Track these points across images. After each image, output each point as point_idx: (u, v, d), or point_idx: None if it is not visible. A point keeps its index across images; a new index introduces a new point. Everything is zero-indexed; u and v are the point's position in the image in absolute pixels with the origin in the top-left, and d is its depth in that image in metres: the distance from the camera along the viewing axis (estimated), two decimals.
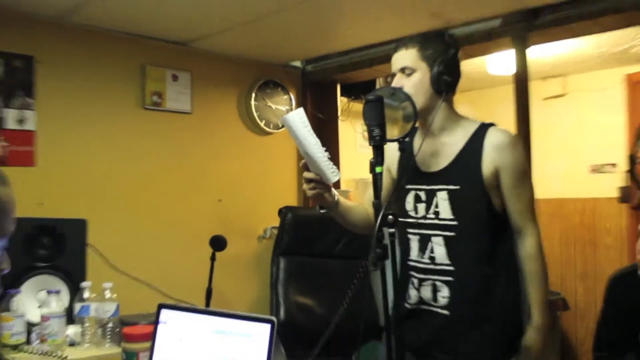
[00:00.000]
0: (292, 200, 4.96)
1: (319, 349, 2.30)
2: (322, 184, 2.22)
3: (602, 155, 5.34)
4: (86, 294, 2.82)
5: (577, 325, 5.34)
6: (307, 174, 2.21)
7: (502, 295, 2.26)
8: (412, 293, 2.36)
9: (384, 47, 4.34)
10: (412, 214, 2.36)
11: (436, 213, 2.29)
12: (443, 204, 2.27)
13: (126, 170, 4.05)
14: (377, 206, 1.90)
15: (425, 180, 2.33)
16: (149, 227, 4.14)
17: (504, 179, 2.24)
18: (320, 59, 4.98)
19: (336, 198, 2.33)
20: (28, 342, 2.68)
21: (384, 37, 4.15)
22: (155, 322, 1.93)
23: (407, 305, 2.38)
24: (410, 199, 2.37)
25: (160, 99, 4.21)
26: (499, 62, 4.81)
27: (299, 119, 2.09)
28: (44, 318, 2.65)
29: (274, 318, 1.72)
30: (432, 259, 2.29)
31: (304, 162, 2.21)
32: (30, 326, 2.72)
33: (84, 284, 2.85)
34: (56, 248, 3.05)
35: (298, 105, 4.80)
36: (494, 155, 2.22)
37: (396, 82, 2.30)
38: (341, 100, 5.28)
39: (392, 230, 1.87)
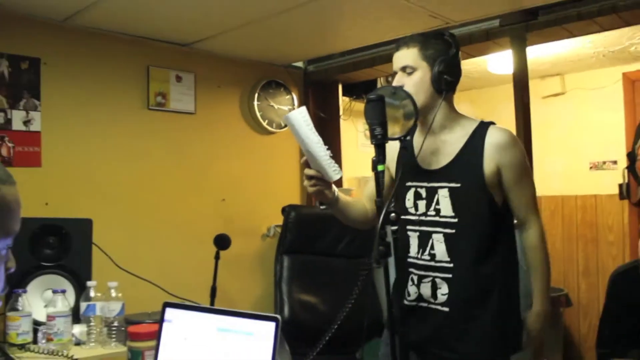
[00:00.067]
0: (295, 198, 4.96)
1: (320, 346, 2.33)
2: (322, 181, 2.24)
3: (602, 153, 5.35)
4: (92, 293, 2.82)
5: (580, 322, 5.34)
6: (308, 171, 2.23)
7: (501, 293, 2.28)
8: (412, 290, 2.37)
9: (384, 47, 4.36)
10: (411, 211, 2.38)
11: (437, 210, 2.30)
12: (444, 201, 2.29)
13: (131, 170, 4.07)
14: (379, 204, 1.93)
15: (425, 178, 2.34)
16: (154, 227, 4.16)
17: (507, 176, 2.28)
18: (322, 59, 4.99)
19: (336, 194, 2.35)
20: (34, 341, 2.68)
21: (384, 37, 4.15)
22: (161, 321, 1.94)
23: (405, 302, 2.38)
24: (410, 196, 2.38)
25: (164, 100, 4.23)
26: (499, 61, 4.82)
27: (301, 117, 2.11)
28: (50, 317, 2.64)
29: (278, 316, 1.73)
30: (432, 256, 2.31)
31: (305, 160, 2.22)
32: (36, 325, 2.72)
33: (89, 284, 2.85)
34: (62, 248, 3.05)
35: (300, 105, 4.81)
36: (495, 154, 2.25)
37: (397, 81, 2.33)
38: (343, 100, 5.29)
39: (394, 227, 1.91)
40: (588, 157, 5.45)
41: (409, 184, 2.38)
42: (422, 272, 2.34)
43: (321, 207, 2.36)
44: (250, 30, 3.96)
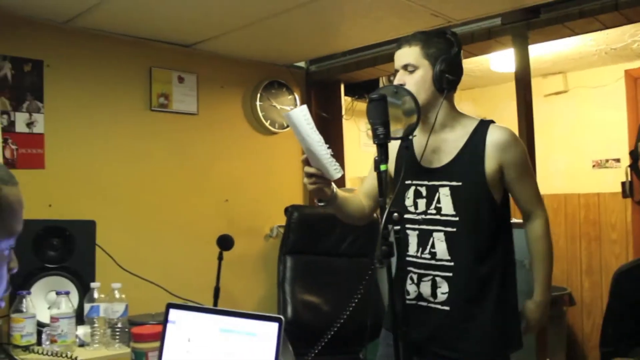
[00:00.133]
0: (298, 199, 4.97)
1: (322, 344, 2.33)
2: (322, 179, 2.23)
3: (605, 151, 5.37)
4: (95, 295, 2.82)
5: (584, 321, 5.34)
6: (308, 169, 2.22)
7: (499, 292, 2.30)
8: (411, 289, 2.37)
9: (386, 47, 4.36)
10: (411, 209, 2.38)
11: (438, 209, 2.31)
12: (445, 200, 2.30)
13: (134, 171, 4.08)
14: (382, 204, 1.93)
15: (426, 176, 2.35)
16: (157, 228, 4.17)
17: (510, 173, 2.30)
18: (324, 59, 4.99)
19: (334, 191, 2.35)
20: (38, 343, 2.68)
21: (386, 37, 4.16)
22: (164, 322, 1.94)
23: (405, 301, 2.40)
24: (410, 195, 2.39)
25: (166, 101, 4.24)
26: (502, 60, 4.82)
27: (302, 115, 2.10)
28: (54, 319, 2.64)
29: (281, 316, 1.73)
30: (432, 254, 2.32)
31: (305, 157, 2.22)
32: (40, 327, 2.72)
33: (93, 285, 2.85)
34: (65, 249, 3.04)
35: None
36: (497, 153, 2.27)
37: (398, 79, 2.33)
38: (345, 100, 5.30)
39: (397, 227, 1.91)
40: (591, 155, 5.46)
41: (409, 182, 2.39)
42: (422, 271, 2.34)
43: (319, 204, 2.36)
44: (252, 31, 3.97)
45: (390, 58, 2.42)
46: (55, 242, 3.04)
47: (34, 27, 3.63)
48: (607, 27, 3.77)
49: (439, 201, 2.31)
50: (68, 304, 2.70)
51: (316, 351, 2.35)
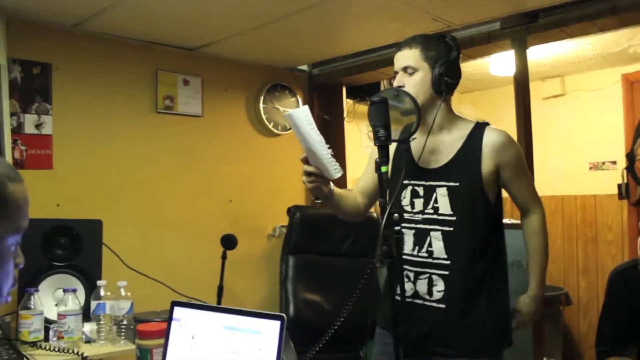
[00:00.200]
0: (300, 199, 4.98)
1: (323, 342, 2.36)
2: (321, 177, 2.24)
3: (602, 153, 5.39)
4: (102, 292, 2.85)
5: (580, 320, 5.37)
6: (307, 168, 2.22)
7: (493, 288, 2.33)
8: (407, 287, 2.37)
9: (388, 50, 4.37)
10: (407, 208, 2.40)
11: (435, 208, 2.34)
12: (442, 200, 2.33)
13: (139, 172, 4.11)
14: (383, 204, 1.96)
15: (423, 177, 2.38)
16: (162, 227, 4.20)
17: (506, 174, 2.34)
18: (326, 62, 5.02)
19: (332, 189, 2.35)
20: (46, 339, 2.72)
21: (387, 41, 4.18)
22: (169, 319, 1.96)
23: (400, 298, 2.43)
24: (406, 194, 2.41)
25: (172, 103, 4.28)
26: (501, 63, 4.84)
27: (304, 115, 2.09)
28: (61, 316, 2.69)
29: (283, 315, 1.75)
30: (430, 252, 2.34)
31: (305, 157, 2.21)
32: (47, 324, 2.76)
33: (99, 283, 2.89)
34: (73, 248, 3.08)
35: None
36: (493, 154, 2.31)
37: (398, 81, 2.36)
38: (347, 102, 5.30)
39: (397, 228, 1.95)
40: (588, 157, 5.48)
41: (406, 182, 2.41)
42: (419, 269, 2.36)
43: (317, 201, 2.37)
44: (256, 35, 3.99)
45: (391, 61, 2.43)
46: (63, 241, 3.08)
47: (42, 30, 3.67)
48: (604, 32, 3.80)
49: (436, 201, 2.34)
50: (75, 301, 2.74)
51: (317, 349, 2.36)
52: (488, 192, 2.34)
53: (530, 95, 3.93)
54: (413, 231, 2.39)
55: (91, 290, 2.95)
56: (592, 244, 5.36)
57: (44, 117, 3.67)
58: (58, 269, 3.03)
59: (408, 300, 2.36)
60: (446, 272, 2.31)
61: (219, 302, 3.56)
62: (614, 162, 5.30)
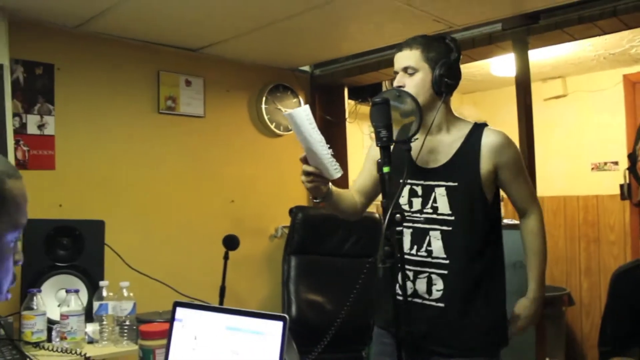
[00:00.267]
0: (302, 200, 4.97)
1: (325, 342, 2.36)
2: (319, 177, 2.23)
3: (603, 154, 5.40)
4: (104, 293, 2.85)
5: (582, 321, 5.37)
6: (306, 167, 2.21)
7: (490, 288, 2.34)
8: (406, 286, 2.33)
9: (389, 51, 4.33)
10: (405, 207, 2.40)
11: (434, 208, 2.35)
12: (441, 200, 2.33)
13: (141, 172, 4.12)
14: (385, 205, 1.96)
15: (422, 176, 2.38)
16: (164, 228, 4.20)
17: (505, 174, 2.35)
18: (328, 63, 5.02)
19: (330, 189, 2.35)
20: (49, 339, 2.72)
21: (389, 42, 4.17)
22: (171, 320, 1.96)
23: (399, 298, 2.42)
24: (404, 194, 2.41)
25: (174, 104, 4.29)
26: (502, 64, 4.85)
27: (304, 115, 2.08)
28: (64, 316, 2.69)
29: (285, 315, 1.74)
30: (429, 252, 2.34)
31: (304, 156, 2.21)
32: (50, 324, 2.77)
33: (102, 283, 2.89)
34: (75, 248, 3.09)
35: None
36: (492, 155, 2.32)
37: (398, 81, 2.36)
38: (348, 103, 5.30)
39: (399, 228, 1.96)
40: (590, 158, 5.49)
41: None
42: (418, 268, 2.36)
43: (315, 200, 2.37)
44: (258, 36, 4.00)
45: (392, 62, 2.43)
46: (65, 242, 3.09)
47: (45, 31, 3.68)
48: (605, 33, 3.79)
49: (435, 201, 2.35)
50: (77, 302, 2.74)
51: (320, 349, 2.37)
52: (486, 192, 2.34)
53: (531, 96, 3.93)
54: (411, 230, 2.40)
55: (94, 290, 2.95)
56: (595, 244, 5.36)
57: (46, 118, 3.68)
58: (60, 269, 3.04)
59: (407, 299, 2.35)
60: (445, 272, 2.32)
61: (221, 302, 3.57)
62: (616, 163, 5.31)
